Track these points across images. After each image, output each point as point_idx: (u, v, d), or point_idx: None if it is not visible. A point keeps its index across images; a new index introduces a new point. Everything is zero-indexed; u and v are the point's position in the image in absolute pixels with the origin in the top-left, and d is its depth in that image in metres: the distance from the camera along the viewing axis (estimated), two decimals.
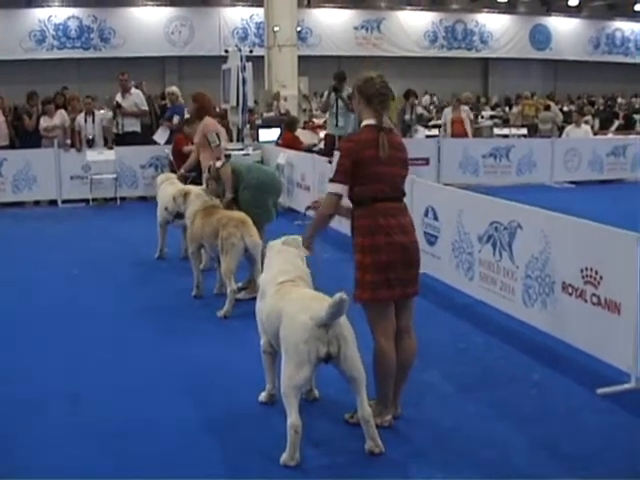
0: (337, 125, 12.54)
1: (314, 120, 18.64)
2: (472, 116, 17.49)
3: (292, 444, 3.95)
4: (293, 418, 3.93)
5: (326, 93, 12.07)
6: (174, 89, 13.95)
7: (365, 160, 4.29)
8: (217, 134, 8.73)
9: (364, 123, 4.41)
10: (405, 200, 4.55)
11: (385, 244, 4.30)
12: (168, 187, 9.06)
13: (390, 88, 4.45)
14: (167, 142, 12.90)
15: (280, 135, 13.49)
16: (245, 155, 11.79)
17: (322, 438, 4.33)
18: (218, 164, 7.42)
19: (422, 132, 16.88)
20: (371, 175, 4.30)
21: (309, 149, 12.83)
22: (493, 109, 25.86)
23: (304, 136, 13.95)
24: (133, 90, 13.70)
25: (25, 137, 13.37)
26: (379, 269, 4.30)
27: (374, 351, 4.34)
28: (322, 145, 13.47)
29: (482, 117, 21.39)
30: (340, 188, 4.34)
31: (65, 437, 4.40)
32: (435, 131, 17.51)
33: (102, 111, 15.21)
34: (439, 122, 17.73)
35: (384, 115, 4.39)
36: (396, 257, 4.31)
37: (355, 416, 4.23)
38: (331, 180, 4.37)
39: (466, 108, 16.57)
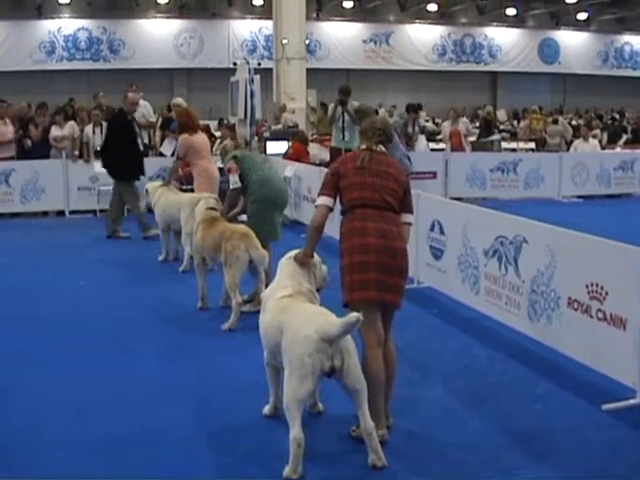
0: (343, 139, 12.53)
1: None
2: (471, 128, 17.39)
3: (295, 457, 3.95)
4: (296, 432, 3.93)
5: (332, 107, 12.05)
6: (180, 100, 13.96)
7: (346, 172, 4.61)
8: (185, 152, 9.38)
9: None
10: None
11: (359, 245, 4.41)
12: (168, 193, 9.25)
13: (389, 127, 4.86)
14: (173, 154, 12.93)
15: (288, 148, 13.49)
16: None
17: (325, 451, 4.32)
18: (233, 182, 7.19)
19: (422, 140, 16.74)
20: (352, 184, 4.56)
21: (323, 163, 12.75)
22: (501, 123, 25.81)
23: (312, 150, 13.91)
24: (141, 102, 13.75)
25: (32, 147, 13.37)
26: (353, 270, 4.41)
27: (361, 360, 4.30)
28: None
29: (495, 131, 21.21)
30: (326, 200, 4.61)
31: (66, 446, 4.40)
32: (442, 145, 17.45)
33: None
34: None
35: (377, 144, 4.68)
36: (370, 258, 4.38)
37: (358, 429, 4.22)
38: (319, 194, 4.67)
39: (465, 120, 16.45)
